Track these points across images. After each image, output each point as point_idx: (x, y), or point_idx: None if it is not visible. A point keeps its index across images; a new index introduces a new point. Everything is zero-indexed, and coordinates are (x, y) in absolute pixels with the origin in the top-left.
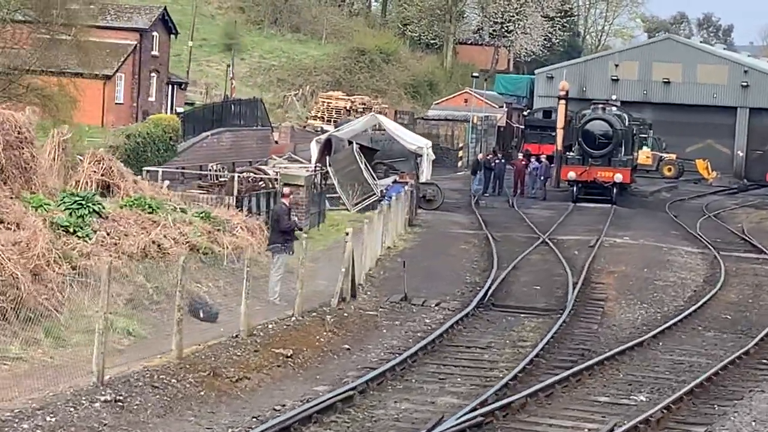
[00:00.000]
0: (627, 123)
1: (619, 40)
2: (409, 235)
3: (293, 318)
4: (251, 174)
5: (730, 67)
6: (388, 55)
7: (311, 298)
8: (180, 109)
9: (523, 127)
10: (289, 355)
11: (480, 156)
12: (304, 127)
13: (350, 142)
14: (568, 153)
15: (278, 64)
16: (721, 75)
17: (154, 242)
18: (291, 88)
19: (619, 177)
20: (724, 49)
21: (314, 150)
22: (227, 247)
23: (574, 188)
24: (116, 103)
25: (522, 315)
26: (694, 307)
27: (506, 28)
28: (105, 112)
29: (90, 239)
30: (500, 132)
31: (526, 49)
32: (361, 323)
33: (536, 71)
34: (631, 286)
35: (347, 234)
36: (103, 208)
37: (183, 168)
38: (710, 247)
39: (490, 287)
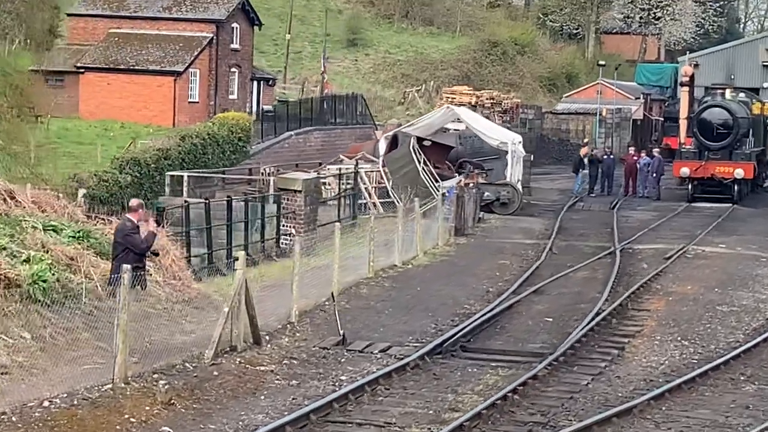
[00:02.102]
0: (764, 111)
1: None
2: (447, 247)
3: (109, 386)
4: None
5: None
6: (524, 47)
7: (191, 347)
8: (267, 107)
9: (662, 119)
10: None
11: (583, 152)
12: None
13: (421, 139)
14: (683, 146)
15: (404, 59)
16: None
17: None
18: (414, 83)
19: (740, 172)
20: None
21: (382, 147)
22: (92, 279)
23: (689, 186)
24: (190, 102)
25: (493, 363)
26: (750, 344)
27: (654, 15)
28: (176, 112)
29: None
30: (636, 125)
31: (676, 36)
32: (235, 386)
33: (679, 59)
34: (681, 313)
35: (236, 260)
36: None
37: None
38: None
39: (471, 324)
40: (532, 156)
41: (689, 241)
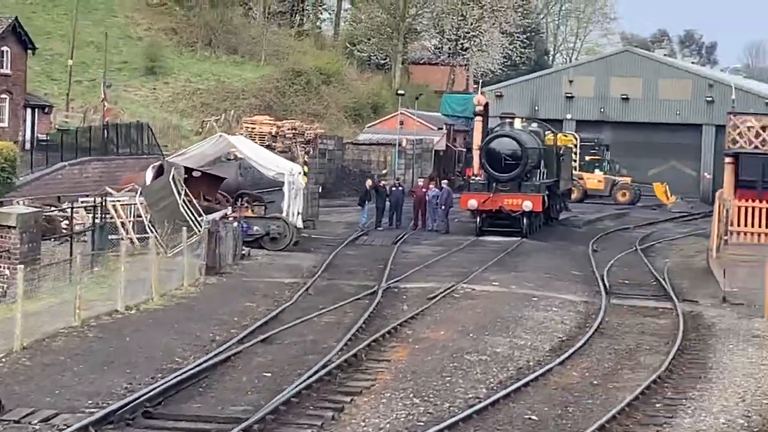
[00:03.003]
0: (557, 141)
1: None
2: (192, 288)
3: None
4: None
5: (693, 81)
6: (329, 77)
7: None
8: (42, 136)
9: (465, 150)
10: None
11: (368, 183)
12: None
13: (190, 170)
14: (473, 177)
15: (204, 88)
16: (685, 90)
17: None
18: (214, 113)
19: (528, 205)
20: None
21: (148, 178)
22: None
23: (478, 219)
24: None
25: None
26: (488, 401)
27: (462, 46)
28: None
29: None
30: (439, 156)
31: (483, 67)
32: None
33: (483, 89)
34: (424, 364)
35: None
36: None
37: None
38: (605, 293)
39: (168, 382)
40: (320, 187)
41: (462, 279)
